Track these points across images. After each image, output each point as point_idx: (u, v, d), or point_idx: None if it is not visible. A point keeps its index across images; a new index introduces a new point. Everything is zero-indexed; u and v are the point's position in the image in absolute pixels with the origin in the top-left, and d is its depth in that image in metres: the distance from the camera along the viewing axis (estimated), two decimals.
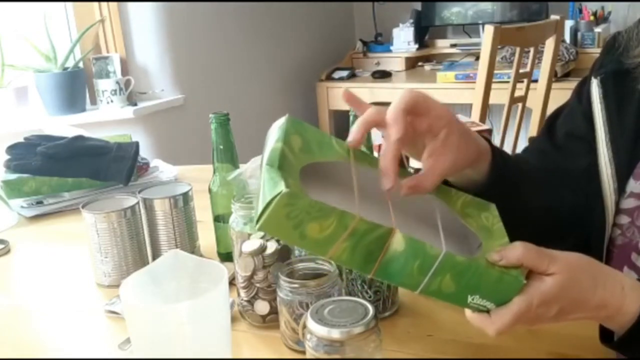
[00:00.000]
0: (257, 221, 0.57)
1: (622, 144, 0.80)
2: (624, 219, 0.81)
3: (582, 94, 0.87)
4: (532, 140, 1.01)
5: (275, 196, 0.55)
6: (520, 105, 2.27)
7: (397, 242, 0.58)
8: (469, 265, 0.59)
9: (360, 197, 0.63)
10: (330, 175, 0.68)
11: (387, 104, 0.65)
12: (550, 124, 0.93)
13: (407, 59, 3.26)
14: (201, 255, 0.99)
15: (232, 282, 0.80)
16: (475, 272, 0.59)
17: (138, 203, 0.94)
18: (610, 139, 0.81)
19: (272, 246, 0.76)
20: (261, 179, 0.59)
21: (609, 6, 3.02)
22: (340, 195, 0.64)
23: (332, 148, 0.68)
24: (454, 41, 3.36)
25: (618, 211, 0.81)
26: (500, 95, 2.20)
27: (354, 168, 0.66)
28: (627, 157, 0.80)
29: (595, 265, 0.63)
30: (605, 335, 0.66)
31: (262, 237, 0.77)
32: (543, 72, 2.25)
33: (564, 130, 0.90)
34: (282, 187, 0.55)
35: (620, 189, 0.81)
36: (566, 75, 2.66)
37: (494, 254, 0.61)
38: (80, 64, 2.27)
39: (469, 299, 0.60)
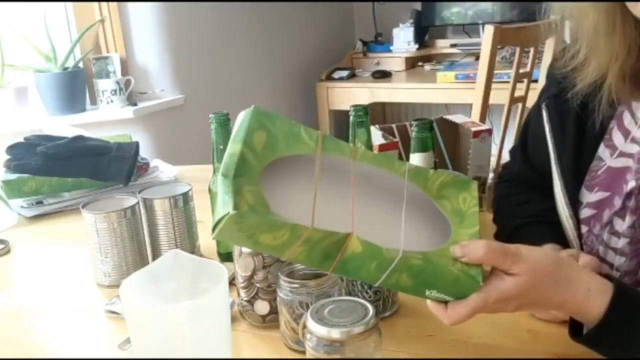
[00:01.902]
0: (213, 230, 0.58)
1: (567, 161, 0.85)
2: (583, 229, 0.85)
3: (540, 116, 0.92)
4: (508, 168, 1.03)
5: (224, 216, 0.56)
6: (520, 105, 2.26)
7: (355, 245, 0.59)
8: (425, 267, 0.60)
9: (328, 186, 0.63)
10: (297, 165, 0.67)
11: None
12: (522, 150, 0.98)
13: (407, 59, 3.26)
14: (201, 255, 0.99)
15: (232, 282, 0.80)
16: (431, 272, 0.61)
17: (138, 203, 0.94)
18: (557, 157, 0.87)
19: None
20: (217, 188, 0.60)
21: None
22: (307, 186, 0.64)
23: (299, 140, 0.66)
24: (454, 41, 3.36)
25: (578, 222, 0.85)
26: (500, 95, 2.20)
27: (318, 162, 0.65)
28: (572, 172, 0.85)
29: (560, 267, 0.63)
30: (576, 328, 0.66)
31: None
32: (543, 72, 2.25)
33: (537, 150, 0.93)
34: (229, 209, 0.56)
35: (572, 202, 0.85)
36: None
37: (456, 249, 0.62)
38: (80, 64, 2.27)
39: (427, 292, 0.61)
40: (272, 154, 0.64)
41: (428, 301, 0.64)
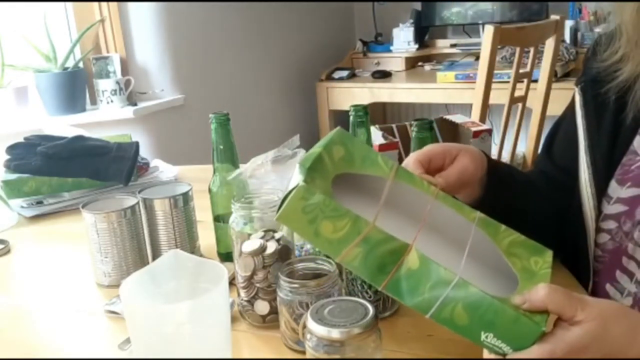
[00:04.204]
0: (277, 212, 0.60)
1: (599, 149, 0.82)
2: (611, 224, 0.81)
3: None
4: (536, 159, 1.02)
5: (293, 189, 0.58)
6: (520, 105, 2.27)
7: (412, 260, 0.58)
8: (483, 298, 0.57)
9: (390, 211, 0.63)
10: (368, 191, 0.69)
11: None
12: (549, 141, 0.95)
13: (407, 59, 3.26)
14: (201, 255, 0.99)
15: (232, 282, 0.80)
16: (489, 307, 0.57)
17: (138, 203, 0.94)
18: (589, 145, 0.83)
19: (272, 246, 0.76)
20: (293, 174, 0.63)
21: (609, 6, 3.02)
22: (373, 207, 0.63)
23: (375, 163, 0.69)
24: (454, 41, 3.36)
25: (605, 217, 0.82)
26: (500, 95, 2.20)
27: (389, 183, 0.67)
28: (604, 162, 0.82)
29: (634, 314, 0.59)
30: None
31: (262, 237, 0.77)
32: (543, 72, 2.25)
33: (563, 144, 0.91)
34: (299, 181, 0.58)
35: (598, 193, 0.82)
36: (566, 75, 2.66)
37: (517, 297, 0.58)
38: (80, 64, 2.27)
39: (483, 336, 0.58)
40: (346, 166, 0.68)
41: (485, 354, 0.60)
